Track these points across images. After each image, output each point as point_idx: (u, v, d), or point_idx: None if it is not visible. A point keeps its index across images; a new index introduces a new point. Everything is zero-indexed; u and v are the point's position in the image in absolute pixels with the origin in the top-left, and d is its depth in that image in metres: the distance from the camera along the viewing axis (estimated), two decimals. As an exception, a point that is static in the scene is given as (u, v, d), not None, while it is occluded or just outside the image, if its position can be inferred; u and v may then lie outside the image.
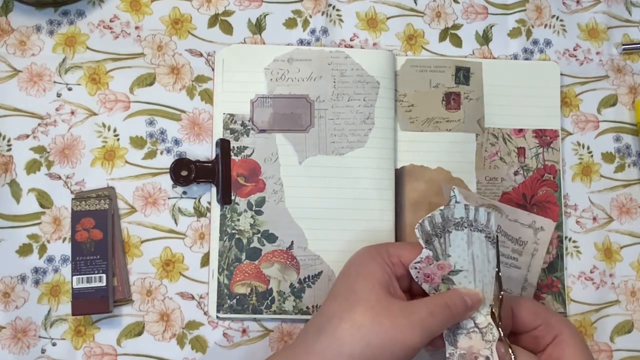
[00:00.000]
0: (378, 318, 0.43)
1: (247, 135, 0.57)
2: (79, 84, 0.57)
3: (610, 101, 0.63)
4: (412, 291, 0.49)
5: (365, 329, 0.43)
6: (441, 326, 0.45)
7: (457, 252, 0.46)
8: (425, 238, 0.47)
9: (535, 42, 0.63)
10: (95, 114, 0.57)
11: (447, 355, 0.46)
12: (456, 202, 0.47)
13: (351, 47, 0.61)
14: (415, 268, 0.46)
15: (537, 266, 0.57)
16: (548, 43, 0.63)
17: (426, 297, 0.47)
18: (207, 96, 0.58)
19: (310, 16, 0.61)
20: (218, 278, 0.56)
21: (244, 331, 0.56)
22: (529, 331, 0.49)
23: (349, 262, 0.48)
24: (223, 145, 0.57)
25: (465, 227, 0.47)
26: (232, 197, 0.56)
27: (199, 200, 0.57)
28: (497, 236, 0.47)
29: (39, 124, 0.56)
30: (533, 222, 0.58)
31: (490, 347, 0.46)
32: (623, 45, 0.63)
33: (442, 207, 0.47)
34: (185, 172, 0.56)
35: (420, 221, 0.46)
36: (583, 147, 0.62)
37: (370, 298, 0.44)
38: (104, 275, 0.53)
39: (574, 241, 0.60)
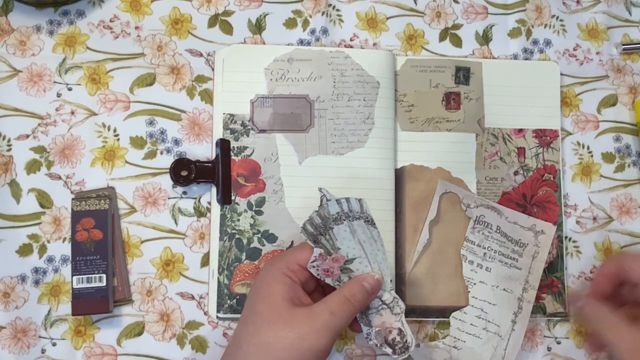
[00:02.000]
0: (281, 332, 0.45)
1: (247, 135, 0.57)
2: (79, 84, 0.57)
3: (610, 101, 0.63)
4: (324, 287, 0.51)
5: (271, 346, 0.45)
6: (346, 320, 0.47)
7: (345, 243, 0.49)
8: (312, 239, 0.49)
9: (535, 42, 0.63)
10: (95, 114, 0.57)
11: (365, 335, 0.50)
12: (327, 200, 0.50)
13: (351, 47, 0.61)
14: (314, 267, 0.49)
15: (538, 268, 0.57)
16: (548, 43, 0.63)
17: (328, 294, 0.48)
18: (207, 96, 0.58)
19: (310, 16, 0.61)
20: (218, 278, 0.56)
21: (244, 331, 0.56)
22: None
23: (252, 284, 0.50)
24: (223, 145, 0.57)
25: (344, 220, 0.49)
26: (232, 197, 0.56)
27: (199, 200, 0.57)
28: (372, 217, 0.50)
29: (39, 124, 0.56)
30: (533, 226, 0.58)
31: (400, 319, 0.49)
32: (623, 45, 0.63)
33: (316, 209, 0.50)
34: (185, 172, 0.56)
35: (302, 225, 0.49)
36: (583, 147, 0.62)
37: (271, 316, 0.46)
38: (104, 275, 0.53)
39: (574, 241, 0.60)
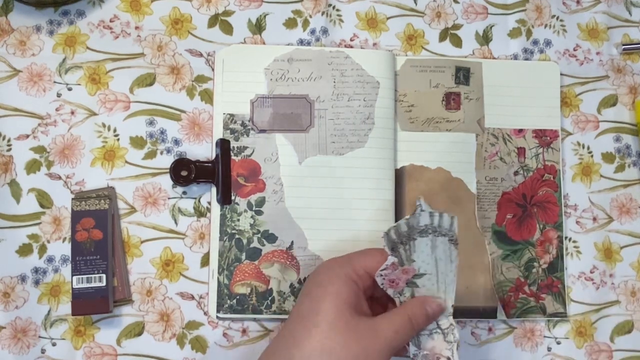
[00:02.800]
0: (347, 342, 0.43)
1: (247, 135, 0.57)
2: (79, 84, 0.57)
3: (610, 101, 0.63)
4: (374, 296, 0.49)
5: (335, 354, 0.43)
6: (404, 341, 0.46)
7: (421, 257, 0.47)
8: (391, 246, 0.47)
9: (535, 42, 0.63)
10: (95, 114, 0.57)
11: (411, 355, 0.47)
12: (421, 210, 0.47)
13: (351, 47, 0.61)
14: (381, 275, 0.47)
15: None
16: (548, 43, 0.63)
17: (390, 311, 0.47)
18: (207, 96, 0.58)
19: (310, 16, 0.61)
20: (218, 278, 0.56)
21: (244, 331, 0.56)
22: None
23: (313, 280, 0.47)
24: (223, 145, 0.57)
25: (430, 233, 0.47)
26: (232, 197, 0.56)
27: (199, 200, 0.57)
28: (457, 237, 0.48)
29: (39, 124, 0.56)
30: None
31: (451, 347, 0.47)
32: (623, 45, 0.63)
33: (407, 217, 0.47)
34: (185, 172, 0.56)
35: (386, 230, 0.47)
36: (583, 147, 0.62)
37: (337, 320, 0.44)
38: (104, 275, 0.53)
39: (574, 241, 0.60)
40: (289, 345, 0.44)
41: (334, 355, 0.43)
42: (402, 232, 0.47)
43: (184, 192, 0.57)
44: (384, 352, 0.44)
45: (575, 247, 0.60)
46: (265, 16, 0.60)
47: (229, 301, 0.55)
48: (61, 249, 0.55)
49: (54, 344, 0.54)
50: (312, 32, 0.60)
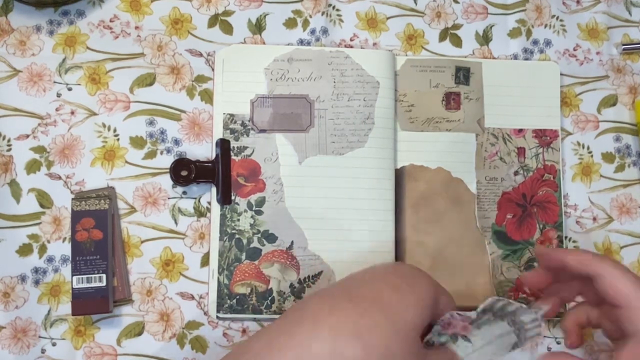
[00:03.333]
0: None
1: (247, 135, 0.57)
2: (79, 84, 0.57)
3: (610, 101, 0.63)
4: None
5: None
6: None
7: (485, 331, 0.47)
8: (483, 309, 0.48)
9: (535, 42, 0.63)
10: (95, 114, 0.57)
11: None
12: (535, 319, 0.48)
13: (351, 47, 0.61)
14: (451, 315, 0.46)
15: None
16: (548, 43, 0.63)
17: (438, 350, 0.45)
18: (207, 96, 0.58)
19: (310, 16, 0.61)
20: (218, 278, 0.56)
21: (243, 331, 0.56)
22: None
23: (398, 270, 0.43)
24: (223, 145, 0.57)
25: (511, 326, 0.48)
26: (232, 197, 0.56)
27: (199, 200, 0.57)
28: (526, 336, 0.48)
29: (39, 124, 0.56)
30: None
31: None
32: (623, 45, 0.63)
33: (523, 306, 0.48)
34: (185, 172, 0.56)
35: (499, 298, 0.47)
36: (583, 147, 0.62)
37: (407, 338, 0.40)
38: (104, 275, 0.53)
39: (574, 241, 0.60)
40: None
41: None
42: (502, 310, 0.48)
43: (184, 192, 0.57)
44: None
45: (575, 247, 0.60)
46: (265, 16, 0.60)
47: (229, 301, 0.55)
48: (61, 249, 0.55)
49: (54, 344, 0.54)
50: (312, 32, 0.60)
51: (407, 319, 0.40)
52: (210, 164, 0.57)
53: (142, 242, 0.56)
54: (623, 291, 0.43)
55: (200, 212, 0.57)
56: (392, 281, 0.42)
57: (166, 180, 0.57)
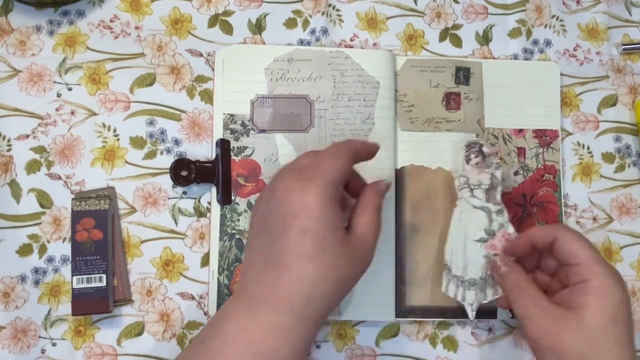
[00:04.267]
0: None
1: (247, 136, 0.57)
2: (79, 84, 0.57)
3: (610, 101, 0.63)
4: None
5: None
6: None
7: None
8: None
9: (535, 42, 0.63)
10: (95, 114, 0.57)
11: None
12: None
13: (351, 47, 0.61)
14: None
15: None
16: (548, 43, 0.63)
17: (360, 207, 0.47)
18: (207, 96, 0.58)
19: (310, 16, 0.61)
20: (218, 278, 0.56)
21: (244, 331, 0.56)
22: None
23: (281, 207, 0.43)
24: (223, 146, 0.57)
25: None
26: (232, 197, 0.56)
27: (199, 201, 0.57)
28: None
29: (39, 124, 0.56)
30: None
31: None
32: (623, 45, 0.63)
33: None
34: (185, 172, 0.56)
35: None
36: (583, 147, 0.62)
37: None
38: (104, 275, 0.53)
39: (574, 241, 0.60)
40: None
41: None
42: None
43: (184, 192, 0.57)
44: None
45: (575, 247, 0.60)
46: (265, 16, 0.60)
47: (229, 301, 0.55)
48: (61, 249, 0.55)
49: (54, 344, 0.54)
50: (312, 32, 0.60)
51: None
52: (210, 164, 0.57)
53: (142, 242, 0.56)
54: (576, 250, 0.48)
55: (200, 212, 0.57)
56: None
57: (166, 181, 0.57)
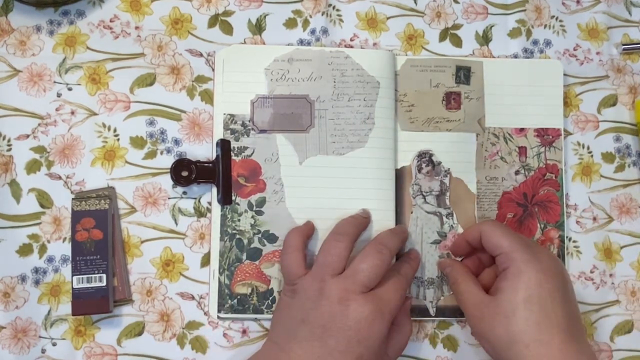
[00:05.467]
0: None
1: (248, 136, 0.57)
2: (79, 84, 0.57)
3: (610, 101, 0.63)
4: None
5: None
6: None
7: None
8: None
9: (535, 42, 0.63)
10: (95, 114, 0.57)
11: None
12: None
13: (351, 47, 0.61)
14: None
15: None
16: (548, 43, 0.63)
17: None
18: (207, 96, 0.58)
19: (310, 16, 0.61)
20: (219, 278, 0.56)
21: (244, 331, 0.56)
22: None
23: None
24: (223, 146, 0.57)
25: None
26: (233, 198, 0.56)
27: (199, 201, 0.57)
28: None
29: (39, 124, 0.56)
30: None
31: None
32: (623, 45, 0.63)
33: None
34: (186, 172, 0.56)
35: None
36: (583, 147, 0.62)
37: None
38: (104, 275, 0.53)
39: (574, 241, 0.60)
40: None
41: None
42: None
43: (184, 192, 0.57)
44: None
45: (575, 247, 0.60)
46: (265, 16, 0.60)
47: (229, 301, 0.55)
48: (61, 249, 0.55)
49: (54, 344, 0.54)
50: (312, 32, 0.60)
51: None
52: (210, 164, 0.57)
53: (142, 242, 0.56)
54: (497, 240, 0.51)
55: (200, 212, 0.57)
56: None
57: (166, 180, 0.57)
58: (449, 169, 0.58)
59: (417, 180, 0.58)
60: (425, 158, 0.58)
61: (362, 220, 0.55)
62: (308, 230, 0.55)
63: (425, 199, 0.57)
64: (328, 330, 0.48)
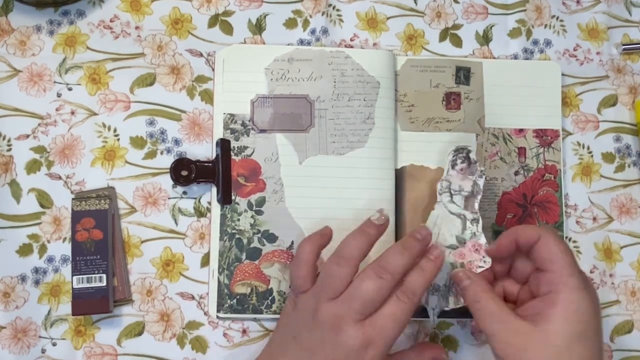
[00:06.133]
0: None
1: (248, 135, 0.57)
2: (79, 84, 0.57)
3: (610, 101, 0.63)
4: None
5: None
6: None
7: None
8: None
9: (535, 42, 0.63)
10: (95, 114, 0.57)
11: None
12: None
13: (351, 47, 0.61)
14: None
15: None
16: (548, 43, 0.63)
17: None
18: (207, 96, 0.58)
19: (311, 16, 0.61)
20: (218, 278, 0.56)
21: (244, 331, 0.56)
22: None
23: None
24: (223, 145, 0.57)
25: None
26: (233, 197, 0.56)
27: (199, 200, 0.57)
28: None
29: (39, 124, 0.56)
30: None
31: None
32: (623, 45, 0.63)
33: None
34: (186, 172, 0.56)
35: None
36: (583, 147, 0.62)
37: None
38: (104, 275, 0.53)
39: (574, 241, 0.60)
40: None
41: None
42: None
43: (184, 192, 0.57)
44: None
45: (575, 247, 0.60)
46: (265, 16, 0.60)
47: (229, 301, 0.55)
48: (61, 249, 0.55)
49: (54, 344, 0.54)
50: (312, 32, 0.60)
51: None
52: (210, 164, 0.57)
53: (142, 242, 0.56)
54: (555, 255, 0.45)
55: (200, 212, 0.57)
56: None
57: (166, 180, 0.57)
58: (484, 170, 0.55)
59: (449, 176, 0.55)
60: (462, 154, 0.55)
61: (371, 237, 0.50)
62: (323, 240, 0.51)
63: (452, 197, 0.54)
64: (315, 355, 0.47)
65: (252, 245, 0.56)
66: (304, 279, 0.49)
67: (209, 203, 0.57)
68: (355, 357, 0.46)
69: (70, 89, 0.57)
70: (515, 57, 0.62)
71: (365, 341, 0.46)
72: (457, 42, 0.62)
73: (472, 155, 0.55)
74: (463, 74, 0.60)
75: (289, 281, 0.54)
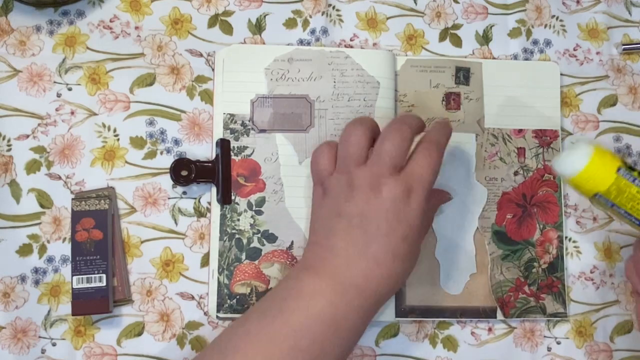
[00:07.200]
0: None
1: (247, 135, 0.57)
2: (79, 84, 0.57)
3: (610, 101, 0.63)
4: None
5: None
6: None
7: None
8: None
9: (535, 42, 0.63)
10: (95, 114, 0.57)
11: None
12: None
13: (351, 47, 0.61)
14: None
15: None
16: (548, 43, 0.63)
17: None
18: (207, 96, 0.58)
19: (310, 16, 0.61)
20: (218, 278, 0.56)
21: (244, 331, 0.56)
22: None
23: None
24: (223, 145, 0.57)
25: None
26: (232, 197, 0.56)
27: (199, 200, 0.57)
28: None
29: (39, 124, 0.56)
30: None
31: None
32: (623, 45, 0.63)
33: None
34: (186, 172, 0.56)
35: None
36: (583, 147, 0.62)
37: None
38: (104, 275, 0.53)
39: (574, 241, 0.60)
40: None
41: None
42: None
43: (184, 192, 0.57)
44: None
45: (575, 247, 0.60)
46: (265, 16, 0.60)
47: (229, 301, 0.55)
48: (61, 249, 0.55)
49: (54, 344, 0.54)
50: (312, 32, 0.60)
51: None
52: (210, 164, 0.57)
53: (142, 242, 0.56)
54: None
55: (200, 212, 0.57)
56: None
57: (166, 180, 0.57)
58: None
59: None
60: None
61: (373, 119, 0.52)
62: (372, 124, 0.51)
63: None
64: (366, 217, 0.47)
65: (251, 246, 0.56)
66: (329, 162, 0.50)
67: (209, 203, 0.57)
68: (402, 207, 0.47)
69: (70, 89, 0.57)
70: (515, 57, 0.62)
71: (406, 189, 0.47)
72: (457, 42, 0.62)
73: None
74: (463, 74, 0.60)
75: (310, 172, 0.53)
